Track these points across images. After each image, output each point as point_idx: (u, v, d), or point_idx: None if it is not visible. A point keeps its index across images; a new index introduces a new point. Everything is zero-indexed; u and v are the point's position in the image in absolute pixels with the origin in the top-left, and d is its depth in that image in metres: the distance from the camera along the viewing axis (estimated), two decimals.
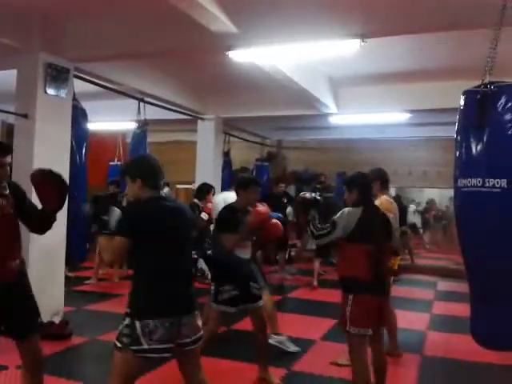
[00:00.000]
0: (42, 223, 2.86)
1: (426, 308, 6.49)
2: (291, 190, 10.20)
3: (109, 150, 9.92)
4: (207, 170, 8.07)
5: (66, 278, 5.47)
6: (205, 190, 5.46)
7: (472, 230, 2.31)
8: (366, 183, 3.36)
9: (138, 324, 2.31)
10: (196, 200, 5.41)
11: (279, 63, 5.07)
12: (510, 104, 2.16)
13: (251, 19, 4.00)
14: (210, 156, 8.21)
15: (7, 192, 2.72)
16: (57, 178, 2.76)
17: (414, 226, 11.01)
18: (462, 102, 2.35)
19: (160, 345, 2.33)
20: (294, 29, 4.07)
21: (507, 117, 2.16)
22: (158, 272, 2.43)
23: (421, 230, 11.83)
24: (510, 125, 2.15)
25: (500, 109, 2.17)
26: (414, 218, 11.23)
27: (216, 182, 7.88)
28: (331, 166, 10.52)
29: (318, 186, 8.71)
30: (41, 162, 4.54)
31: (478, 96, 2.23)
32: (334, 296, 7.04)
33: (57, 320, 4.78)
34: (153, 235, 2.41)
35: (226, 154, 9.16)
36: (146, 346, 2.31)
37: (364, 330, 3.05)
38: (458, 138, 2.34)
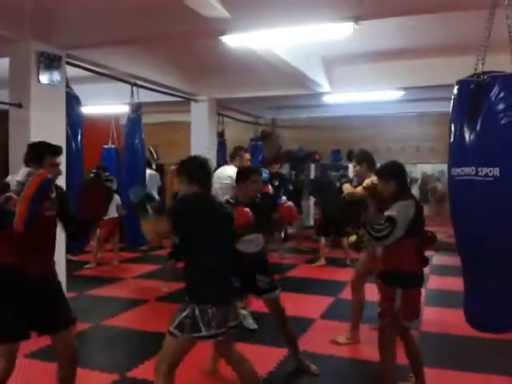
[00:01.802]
0: (78, 231, 3.01)
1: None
2: (285, 168, 10.26)
3: (102, 133, 9.87)
4: (202, 151, 8.05)
5: (68, 262, 5.54)
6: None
7: (465, 218, 2.38)
8: (403, 172, 3.26)
9: (198, 313, 2.52)
10: None
11: (272, 46, 5.05)
12: (502, 94, 2.19)
13: (244, 4, 3.98)
14: (204, 137, 8.21)
15: (54, 195, 2.78)
16: (107, 187, 2.92)
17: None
18: (455, 92, 2.38)
19: (216, 330, 2.56)
20: (287, 13, 4.04)
21: (500, 107, 2.19)
22: (211, 263, 2.66)
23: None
24: (502, 114, 2.19)
25: (493, 99, 2.20)
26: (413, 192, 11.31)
27: (211, 163, 7.91)
28: (325, 144, 10.57)
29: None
30: None
31: (472, 86, 2.26)
32: (331, 273, 7.24)
33: None
34: (203, 229, 2.64)
35: (221, 135, 9.16)
36: (204, 333, 2.54)
37: (409, 324, 3.16)
38: (452, 127, 2.38)
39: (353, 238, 7.09)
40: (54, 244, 2.90)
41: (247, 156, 6.13)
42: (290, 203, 4.05)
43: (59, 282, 2.93)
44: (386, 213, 3.01)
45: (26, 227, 2.48)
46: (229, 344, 2.82)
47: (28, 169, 2.64)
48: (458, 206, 2.41)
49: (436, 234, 3.45)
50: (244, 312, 4.56)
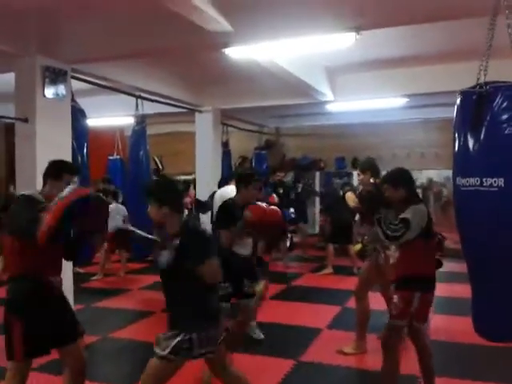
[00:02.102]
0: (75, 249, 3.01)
1: None
2: (290, 176, 10.26)
3: (108, 144, 9.95)
4: (207, 161, 8.13)
5: (75, 274, 5.57)
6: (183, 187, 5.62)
7: (472, 228, 2.38)
8: (411, 178, 3.32)
9: (195, 337, 2.49)
10: None
11: (275, 56, 5.09)
12: (505, 104, 2.21)
13: (246, 17, 4.00)
14: (209, 147, 8.25)
15: None
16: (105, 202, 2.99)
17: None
18: (457, 102, 2.39)
19: (207, 348, 2.55)
20: (289, 25, 4.08)
21: (503, 117, 2.21)
22: (205, 287, 2.58)
23: None
24: (505, 125, 2.20)
25: (496, 109, 2.22)
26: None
27: (216, 173, 7.96)
28: (330, 152, 10.59)
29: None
30: (44, 165, 4.57)
31: (474, 96, 2.27)
32: (337, 282, 7.21)
33: None
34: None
35: (225, 145, 9.20)
36: (196, 354, 2.53)
37: (423, 325, 3.23)
38: (456, 137, 2.39)
39: (357, 246, 7.11)
40: (61, 260, 2.95)
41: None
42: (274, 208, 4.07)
43: (65, 296, 2.98)
44: (401, 216, 3.06)
45: (48, 241, 2.53)
46: (221, 359, 2.74)
47: (73, 187, 2.72)
48: (464, 215, 2.42)
49: (445, 237, 3.53)
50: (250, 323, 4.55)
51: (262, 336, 4.65)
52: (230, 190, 4.64)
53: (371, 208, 3.34)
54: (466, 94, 2.36)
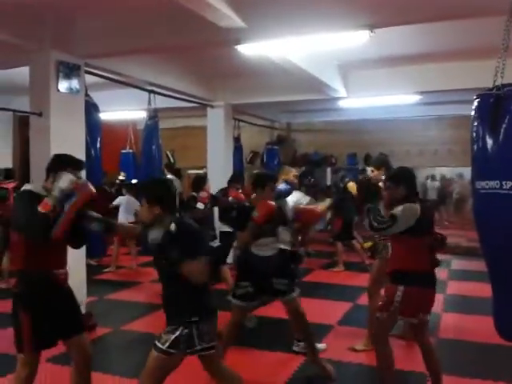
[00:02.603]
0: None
1: (440, 288, 6.45)
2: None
3: (120, 138, 10.01)
4: (218, 155, 8.16)
5: (88, 266, 5.63)
6: (200, 182, 5.62)
7: (491, 232, 2.37)
8: (412, 177, 3.38)
9: (195, 331, 2.52)
10: (193, 192, 5.59)
11: (287, 53, 5.08)
12: None
13: (259, 14, 4.01)
14: (220, 142, 8.27)
15: None
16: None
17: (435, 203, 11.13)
18: (475, 105, 2.37)
19: (208, 344, 2.57)
20: (302, 22, 4.07)
21: None
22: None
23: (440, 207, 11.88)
24: None
25: None
26: (432, 194, 11.28)
27: (227, 167, 7.98)
28: (342, 148, 10.55)
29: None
30: None
31: (492, 99, 2.25)
32: (348, 278, 7.22)
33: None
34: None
35: (237, 140, 9.21)
36: (198, 347, 2.54)
37: (413, 319, 3.23)
38: (474, 140, 2.37)
39: (368, 243, 7.08)
40: (66, 251, 2.96)
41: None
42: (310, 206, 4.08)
43: (70, 288, 2.99)
44: (392, 211, 3.16)
45: (65, 238, 2.61)
46: (215, 358, 2.75)
47: (70, 176, 2.70)
48: (484, 218, 2.41)
49: (446, 236, 3.55)
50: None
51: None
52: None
53: (366, 196, 3.41)
54: (483, 97, 2.35)
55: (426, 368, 3.37)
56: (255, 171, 4.64)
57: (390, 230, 3.13)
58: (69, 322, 2.84)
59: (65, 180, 2.67)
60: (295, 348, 4.32)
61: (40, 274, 2.73)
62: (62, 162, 2.83)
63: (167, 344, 2.52)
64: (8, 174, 7.48)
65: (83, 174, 4.79)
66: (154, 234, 2.57)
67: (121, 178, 9.16)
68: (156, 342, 2.56)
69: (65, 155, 2.93)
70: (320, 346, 4.37)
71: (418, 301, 3.20)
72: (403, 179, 3.31)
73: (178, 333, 2.52)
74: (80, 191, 2.68)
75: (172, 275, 2.56)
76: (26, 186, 2.87)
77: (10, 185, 6.40)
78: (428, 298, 3.26)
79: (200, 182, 5.67)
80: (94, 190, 2.77)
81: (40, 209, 2.58)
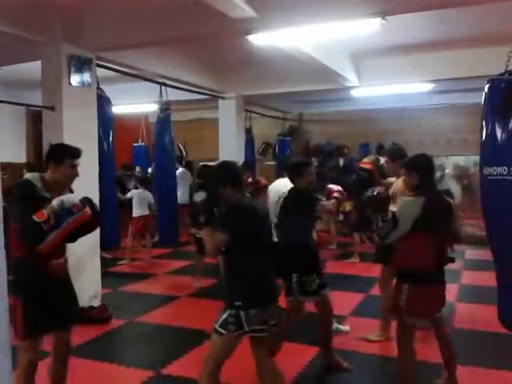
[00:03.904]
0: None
1: (455, 278, 6.46)
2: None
3: (132, 131, 10.05)
4: (230, 147, 8.15)
5: (102, 259, 5.68)
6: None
7: (498, 218, 2.34)
8: (427, 166, 3.15)
9: (242, 313, 2.63)
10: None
11: (299, 42, 5.04)
12: None
13: (270, 3, 3.99)
14: (232, 134, 8.28)
15: None
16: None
17: (448, 192, 10.98)
18: (486, 90, 2.34)
19: (257, 326, 2.68)
20: (313, 10, 4.03)
21: None
22: (254, 267, 2.73)
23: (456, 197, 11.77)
24: None
25: None
26: (449, 184, 11.15)
27: (239, 159, 7.96)
28: (354, 138, 10.45)
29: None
30: None
31: (503, 84, 2.22)
32: (361, 269, 7.19)
33: (95, 303, 5.00)
34: (249, 233, 2.69)
35: (248, 131, 9.19)
36: (247, 329, 2.66)
37: (420, 321, 3.13)
38: (483, 126, 2.34)
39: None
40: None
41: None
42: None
43: (70, 279, 3.01)
44: (392, 209, 3.09)
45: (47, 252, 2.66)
46: (264, 346, 2.84)
47: (74, 198, 2.78)
48: (491, 205, 2.39)
49: (461, 230, 3.41)
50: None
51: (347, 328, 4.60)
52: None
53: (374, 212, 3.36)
54: (494, 82, 2.31)
55: (443, 360, 3.34)
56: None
57: (396, 231, 2.95)
58: (63, 311, 2.86)
59: (68, 199, 2.74)
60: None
61: (35, 263, 2.73)
62: (60, 153, 2.84)
63: (218, 323, 2.68)
64: (32, 168, 7.54)
65: (96, 164, 4.87)
66: (200, 196, 2.76)
67: (137, 172, 9.19)
68: (214, 323, 2.71)
69: (62, 144, 2.98)
70: (343, 327, 4.48)
71: (425, 301, 3.02)
72: (416, 167, 3.12)
73: (226, 314, 2.66)
74: (79, 214, 2.74)
75: (225, 258, 2.77)
76: (26, 176, 2.87)
77: None
78: (437, 297, 3.11)
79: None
80: (90, 213, 2.81)
81: (35, 217, 2.60)
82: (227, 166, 2.97)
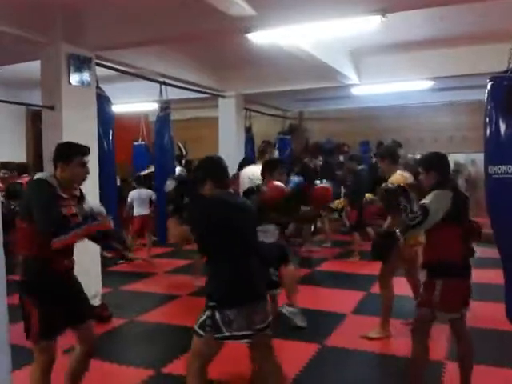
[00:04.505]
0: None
1: None
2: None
3: (132, 130, 10.04)
4: (230, 146, 8.15)
5: (103, 257, 5.66)
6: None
7: (504, 216, 2.34)
8: (445, 163, 3.18)
9: (218, 315, 2.51)
10: None
11: (298, 40, 5.03)
12: None
13: (269, 1, 3.98)
14: (232, 133, 8.27)
15: (78, 194, 2.89)
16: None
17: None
18: (488, 88, 2.33)
19: (239, 332, 2.53)
20: (312, 8, 4.02)
21: None
22: (233, 265, 2.59)
23: None
24: None
25: None
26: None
27: (239, 158, 7.94)
28: (354, 136, 10.45)
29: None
30: None
31: (505, 82, 2.21)
32: (361, 267, 7.17)
33: (96, 302, 4.99)
34: (222, 229, 2.57)
35: (248, 130, 9.17)
36: (227, 334, 2.52)
37: (454, 315, 3.08)
38: (487, 124, 2.33)
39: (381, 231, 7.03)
40: None
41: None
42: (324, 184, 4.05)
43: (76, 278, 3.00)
44: (422, 201, 2.99)
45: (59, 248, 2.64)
46: (260, 350, 2.73)
47: (101, 208, 2.84)
48: (496, 203, 2.38)
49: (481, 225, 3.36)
50: (291, 309, 4.54)
51: (304, 324, 4.57)
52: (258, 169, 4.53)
53: (389, 208, 3.30)
54: (496, 80, 2.30)
55: (459, 359, 3.23)
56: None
57: (426, 222, 2.91)
58: (75, 309, 2.85)
59: (97, 207, 2.83)
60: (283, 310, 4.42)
61: (45, 262, 2.71)
62: (69, 151, 2.82)
63: (197, 324, 2.59)
64: (21, 168, 7.53)
65: (96, 164, 4.86)
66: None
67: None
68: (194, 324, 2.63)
69: (69, 143, 2.91)
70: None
71: (457, 294, 3.03)
72: (434, 165, 3.13)
73: (204, 315, 2.56)
74: (102, 221, 2.74)
75: (204, 256, 2.65)
76: (39, 175, 2.83)
77: (25, 179, 6.45)
78: (467, 289, 3.11)
79: None
80: (110, 225, 2.82)
81: (65, 210, 2.63)
82: (208, 161, 2.85)
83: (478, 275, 6.39)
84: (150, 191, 7.63)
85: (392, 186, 3.39)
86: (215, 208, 2.63)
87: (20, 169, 7.20)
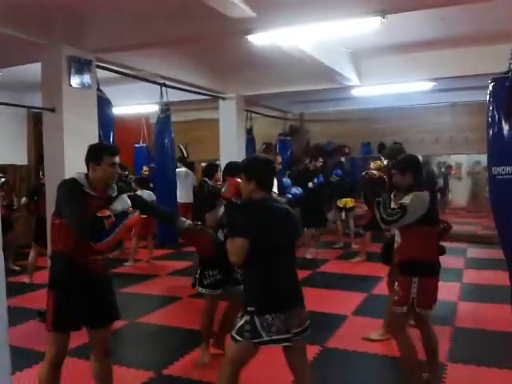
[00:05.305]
0: None
1: (457, 277, 6.46)
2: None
3: (133, 132, 10.05)
4: (231, 148, 8.13)
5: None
6: (213, 169, 5.62)
7: (509, 218, 2.33)
8: (419, 165, 3.34)
9: (257, 320, 2.51)
10: (206, 178, 5.59)
11: (299, 42, 5.03)
12: None
13: (269, 3, 3.97)
14: (233, 134, 8.26)
15: (115, 194, 2.91)
16: None
17: (442, 190, 11.10)
18: (490, 89, 2.33)
19: (278, 335, 2.53)
20: (312, 9, 4.01)
21: None
22: (273, 271, 2.59)
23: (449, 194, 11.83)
24: None
25: None
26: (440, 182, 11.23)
27: (240, 160, 7.93)
28: (355, 137, 10.44)
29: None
30: (71, 153, 4.70)
31: (507, 83, 2.21)
32: (364, 269, 7.17)
33: None
34: (269, 236, 2.56)
35: (249, 131, 9.17)
36: (266, 338, 2.52)
37: (426, 311, 3.21)
38: (489, 125, 2.33)
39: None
40: None
41: (279, 159, 6.08)
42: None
43: (110, 278, 3.05)
44: (401, 201, 3.13)
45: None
46: (295, 353, 2.70)
47: (128, 200, 2.86)
48: (501, 205, 2.37)
49: (451, 225, 3.54)
50: None
51: None
52: None
53: (372, 192, 3.41)
54: (498, 81, 2.30)
55: (425, 353, 3.36)
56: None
57: (401, 220, 3.09)
58: (97, 311, 2.84)
59: (124, 202, 2.83)
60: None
61: (71, 258, 2.74)
62: (98, 152, 2.86)
63: (234, 330, 2.58)
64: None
65: None
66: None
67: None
68: (231, 328, 2.63)
69: (100, 144, 3.06)
70: None
71: (432, 291, 3.20)
72: (410, 168, 3.27)
73: (242, 321, 2.55)
74: (131, 215, 2.83)
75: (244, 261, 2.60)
76: (73, 175, 2.87)
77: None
78: (437, 287, 3.29)
79: (212, 169, 5.66)
80: (140, 217, 2.93)
81: (99, 214, 2.65)
82: (257, 162, 2.84)
83: (479, 276, 6.51)
84: (151, 193, 7.62)
85: (374, 175, 3.51)
86: (261, 214, 2.61)
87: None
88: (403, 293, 3.16)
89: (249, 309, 2.53)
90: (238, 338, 2.54)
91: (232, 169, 3.86)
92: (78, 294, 2.76)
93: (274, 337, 2.52)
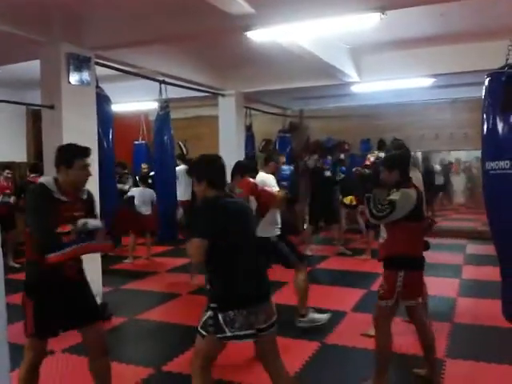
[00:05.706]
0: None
1: (456, 273, 6.48)
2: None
3: (133, 129, 10.04)
4: (230, 145, 8.12)
5: (105, 256, 5.67)
6: None
7: (502, 213, 2.33)
8: (406, 162, 3.39)
9: (220, 315, 2.52)
10: None
11: (298, 38, 5.02)
12: None
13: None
14: (232, 131, 8.25)
15: (85, 197, 2.87)
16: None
17: (443, 187, 11.11)
18: (486, 84, 2.32)
19: (241, 331, 2.54)
20: (312, 5, 4.00)
21: None
22: (235, 267, 2.60)
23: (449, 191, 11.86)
24: None
25: None
26: (440, 179, 11.24)
27: (239, 157, 7.94)
28: (355, 134, 10.42)
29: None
30: None
31: (503, 78, 2.20)
32: (362, 265, 7.18)
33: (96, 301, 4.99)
34: (228, 232, 2.57)
35: (249, 128, 9.15)
36: (229, 334, 2.53)
37: (410, 302, 3.28)
38: (484, 120, 2.33)
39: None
40: None
41: (282, 159, 6.05)
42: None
43: (87, 282, 2.97)
44: (389, 197, 3.18)
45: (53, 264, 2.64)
46: (266, 349, 2.72)
47: (97, 224, 2.78)
48: (494, 199, 2.37)
49: (436, 221, 3.77)
50: (308, 319, 4.52)
51: (328, 315, 4.63)
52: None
53: (365, 187, 3.46)
54: (494, 76, 2.30)
55: (422, 349, 3.38)
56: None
57: (390, 217, 3.14)
58: (77, 312, 2.82)
59: (93, 223, 2.74)
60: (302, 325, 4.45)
61: (44, 267, 2.67)
62: (69, 154, 2.78)
63: (200, 325, 2.60)
64: (34, 167, 7.55)
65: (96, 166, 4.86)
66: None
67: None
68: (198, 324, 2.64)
69: (70, 146, 2.87)
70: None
71: (417, 284, 3.28)
72: (397, 165, 3.31)
73: (206, 316, 2.57)
74: (99, 241, 2.77)
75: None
76: (41, 180, 2.83)
77: (37, 179, 6.48)
78: (422, 280, 3.40)
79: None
80: (111, 247, 2.92)
81: (60, 229, 2.60)
82: (205, 161, 2.80)
83: (478, 272, 6.51)
84: (153, 192, 7.59)
85: (364, 172, 3.56)
86: (218, 212, 2.60)
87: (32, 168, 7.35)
88: (389, 287, 3.20)
89: (211, 305, 2.56)
90: (204, 332, 2.58)
91: (242, 168, 3.85)
92: (56, 301, 2.73)
93: (237, 332, 2.52)
